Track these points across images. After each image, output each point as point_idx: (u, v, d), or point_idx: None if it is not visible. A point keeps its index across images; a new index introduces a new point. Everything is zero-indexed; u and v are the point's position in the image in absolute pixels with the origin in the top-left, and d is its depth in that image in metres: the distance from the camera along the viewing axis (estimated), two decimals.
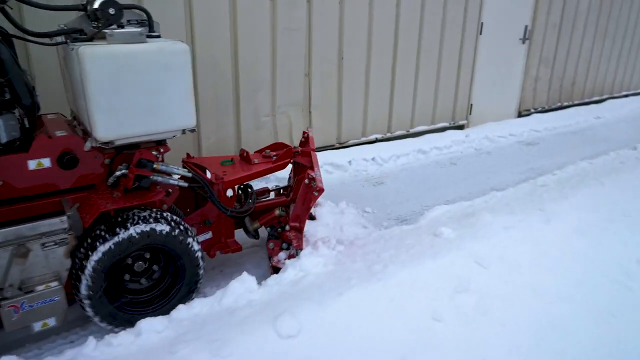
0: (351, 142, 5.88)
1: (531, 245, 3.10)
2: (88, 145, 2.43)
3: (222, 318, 2.45)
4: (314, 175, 3.05)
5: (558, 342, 2.42)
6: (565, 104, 8.74)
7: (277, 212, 3.31)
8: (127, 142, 2.45)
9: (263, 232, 3.49)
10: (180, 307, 2.59)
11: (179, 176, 2.79)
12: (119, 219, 2.47)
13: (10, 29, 2.45)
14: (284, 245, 3.26)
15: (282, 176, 4.35)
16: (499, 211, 3.64)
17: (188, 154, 3.34)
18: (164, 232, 2.53)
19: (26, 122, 2.49)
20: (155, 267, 2.72)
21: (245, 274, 2.82)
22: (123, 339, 2.32)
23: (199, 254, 2.72)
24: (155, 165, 2.57)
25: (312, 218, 3.76)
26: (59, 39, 2.59)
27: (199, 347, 2.16)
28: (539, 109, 8.27)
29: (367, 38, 5.59)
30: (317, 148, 5.32)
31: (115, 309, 2.53)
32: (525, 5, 7.25)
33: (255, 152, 3.50)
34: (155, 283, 2.75)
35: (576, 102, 8.90)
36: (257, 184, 3.95)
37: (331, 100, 5.54)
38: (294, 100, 5.22)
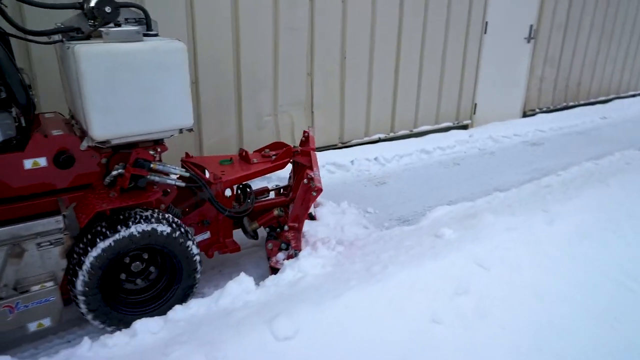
0: (354, 141, 5.85)
1: (533, 246, 3.06)
2: (84, 145, 2.42)
3: (218, 319, 2.43)
4: (313, 175, 3.02)
5: (558, 344, 2.39)
6: (571, 104, 8.67)
7: (275, 212, 3.29)
8: (123, 141, 2.43)
9: (262, 232, 3.47)
10: (177, 307, 2.58)
11: (177, 176, 2.77)
12: (121, 217, 2.46)
13: (7, 28, 2.44)
14: (283, 246, 3.23)
15: (282, 176, 4.33)
16: (502, 212, 3.60)
17: (187, 153, 3.32)
18: (164, 233, 2.52)
19: (23, 121, 2.48)
20: (152, 269, 2.70)
21: (243, 275, 2.80)
22: (118, 339, 2.31)
23: (197, 257, 2.71)
24: (152, 165, 2.55)
25: (313, 218, 3.74)
26: (56, 37, 2.58)
27: (193, 349, 2.14)
28: (544, 109, 8.20)
29: (370, 37, 5.55)
30: (319, 148, 5.31)
31: (108, 308, 2.52)
32: (530, 5, 7.19)
33: (255, 151, 3.48)
34: (150, 284, 2.74)
35: (582, 102, 8.83)
36: (257, 184, 3.93)
37: (334, 99, 5.51)
38: (296, 99, 5.20)
